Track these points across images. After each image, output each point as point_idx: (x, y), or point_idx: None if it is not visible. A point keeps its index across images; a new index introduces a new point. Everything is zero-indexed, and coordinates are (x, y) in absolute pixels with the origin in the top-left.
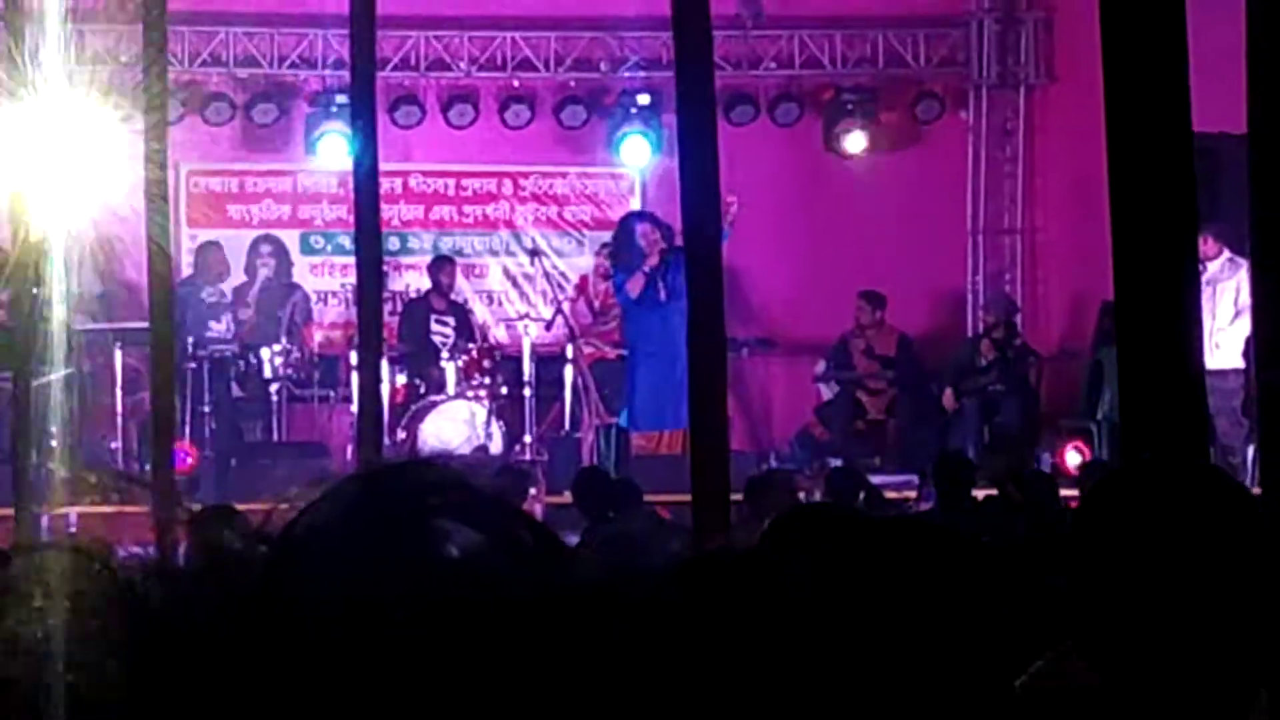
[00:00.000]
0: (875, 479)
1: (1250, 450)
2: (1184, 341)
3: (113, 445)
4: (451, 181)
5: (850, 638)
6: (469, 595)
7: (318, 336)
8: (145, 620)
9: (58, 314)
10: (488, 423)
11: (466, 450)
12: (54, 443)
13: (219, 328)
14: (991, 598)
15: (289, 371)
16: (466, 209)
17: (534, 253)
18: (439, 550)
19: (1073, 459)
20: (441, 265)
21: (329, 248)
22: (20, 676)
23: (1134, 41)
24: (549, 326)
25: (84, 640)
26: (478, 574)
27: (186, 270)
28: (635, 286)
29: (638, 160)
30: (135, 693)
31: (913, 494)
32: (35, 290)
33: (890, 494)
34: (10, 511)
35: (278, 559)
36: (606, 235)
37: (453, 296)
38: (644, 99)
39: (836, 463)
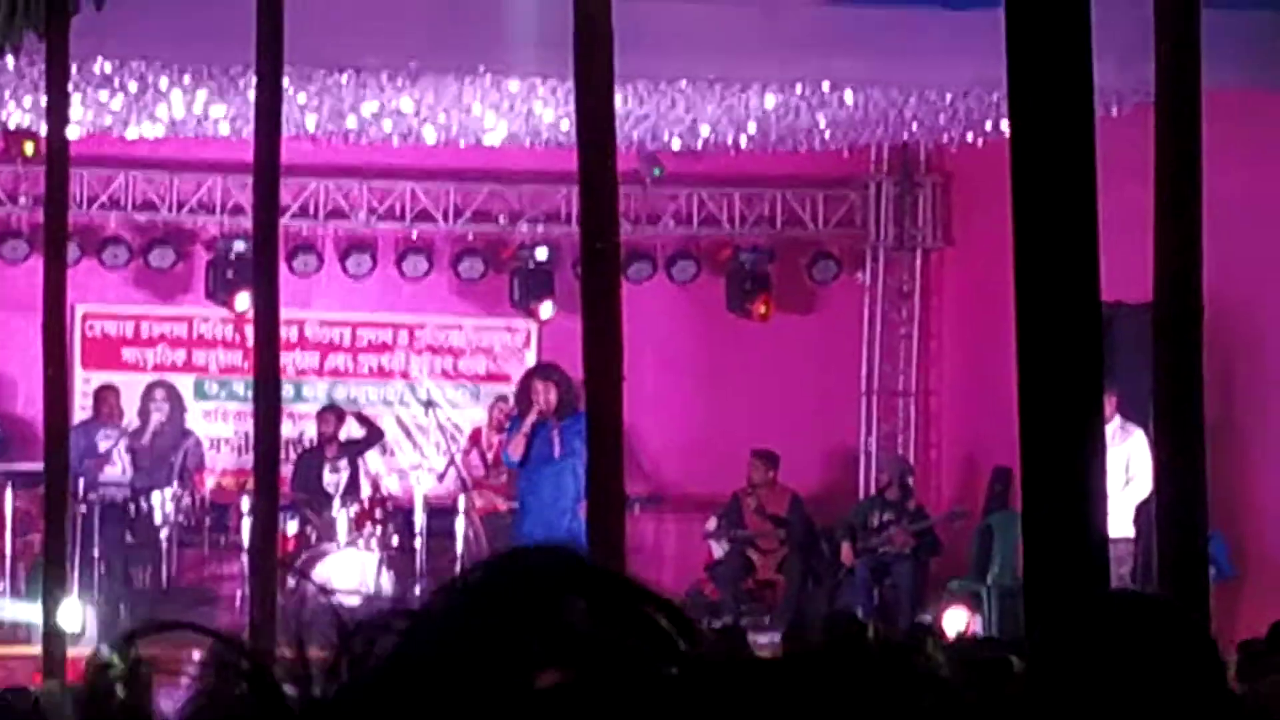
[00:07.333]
0: (764, 638)
1: None
2: (1088, 507)
3: None
4: (347, 330)
5: None
6: (616, 672)
7: (209, 483)
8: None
9: None
10: (378, 573)
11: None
12: None
13: (113, 471)
14: None
15: (180, 517)
16: (362, 358)
17: (428, 404)
18: (573, 628)
19: (952, 623)
20: (324, 415)
21: (223, 394)
22: None
23: (1044, 207)
24: (441, 478)
25: None
26: (618, 651)
27: (78, 413)
28: (516, 449)
29: (534, 314)
30: None
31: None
32: None
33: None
34: None
35: (410, 635)
36: (501, 388)
37: (340, 436)
38: (542, 252)
39: (724, 622)
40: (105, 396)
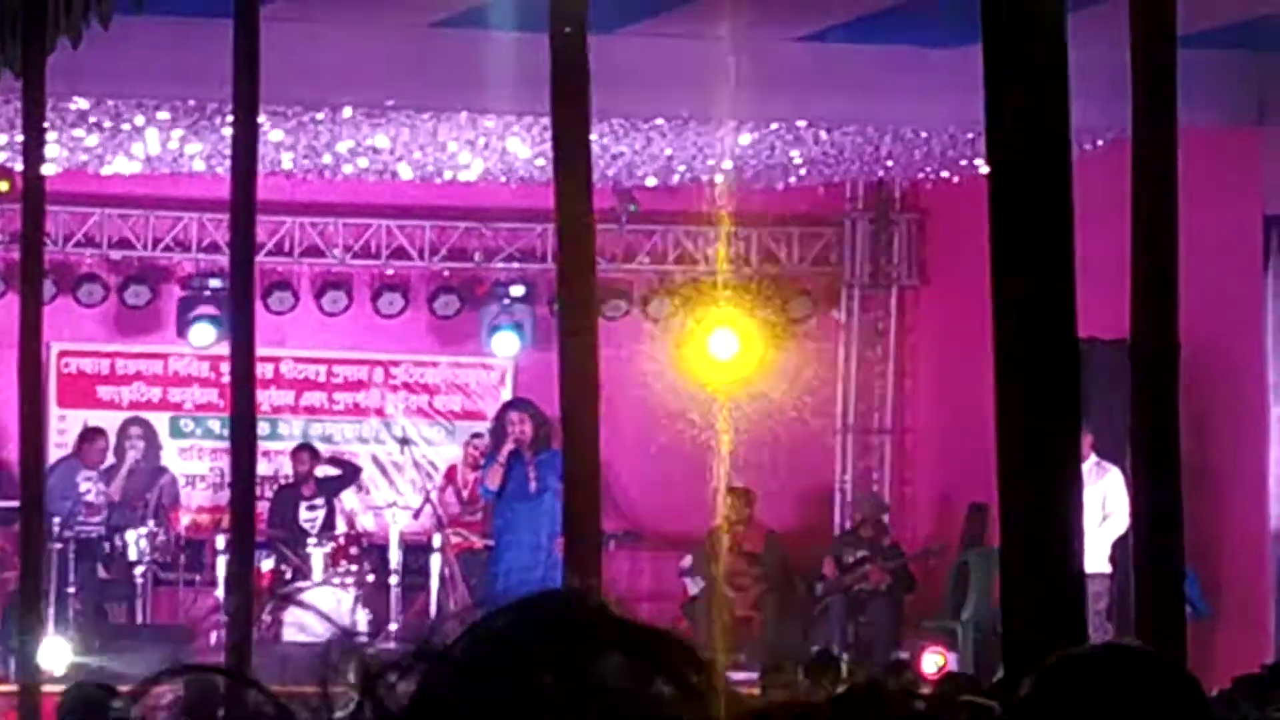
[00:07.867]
0: (739, 675)
1: None
2: (1065, 543)
3: None
4: (323, 368)
5: None
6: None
7: (185, 520)
8: None
9: None
10: (353, 610)
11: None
12: None
13: (89, 510)
14: None
15: (155, 554)
16: (337, 396)
17: (404, 441)
18: (604, 676)
19: (930, 664)
20: (299, 454)
21: (198, 431)
22: None
23: (1021, 244)
24: (417, 515)
25: None
26: (641, 700)
27: (54, 450)
28: (493, 479)
29: (509, 351)
30: None
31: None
32: None
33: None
34: None
35: (433, 679)
36: (476, 425)
37: (317, 473)
38: (517, 290)
39: None
40: (94, 440)
